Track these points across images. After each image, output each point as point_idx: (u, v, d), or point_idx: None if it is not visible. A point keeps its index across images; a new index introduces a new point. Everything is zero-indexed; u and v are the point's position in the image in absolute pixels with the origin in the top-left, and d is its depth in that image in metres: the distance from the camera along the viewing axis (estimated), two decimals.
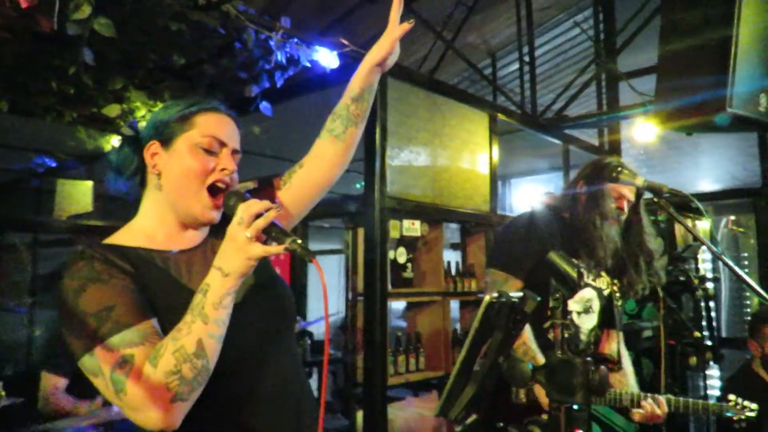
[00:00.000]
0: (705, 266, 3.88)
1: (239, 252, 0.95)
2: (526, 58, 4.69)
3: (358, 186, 5.17)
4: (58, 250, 4.67)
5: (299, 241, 0.94)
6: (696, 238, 2.06)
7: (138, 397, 0.90)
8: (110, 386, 0.92)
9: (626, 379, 1.97)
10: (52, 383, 2.43)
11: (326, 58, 3.09)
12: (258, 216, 0.95)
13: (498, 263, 1.93)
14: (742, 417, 1.95)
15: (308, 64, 3.04)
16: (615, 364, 1.92)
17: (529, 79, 4.59)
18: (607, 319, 1.97)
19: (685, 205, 1.96)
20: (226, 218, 1.03)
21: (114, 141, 3.76)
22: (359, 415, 3.03)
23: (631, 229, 1.98)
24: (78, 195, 4.21)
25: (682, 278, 3.04)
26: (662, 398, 1.85)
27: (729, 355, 4.53)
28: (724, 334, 4.54)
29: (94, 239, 1.11)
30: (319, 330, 5.14)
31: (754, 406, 1.99)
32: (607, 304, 1.96)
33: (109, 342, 0.93)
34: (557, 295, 1.12)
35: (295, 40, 2.94)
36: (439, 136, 3.38)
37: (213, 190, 1.10)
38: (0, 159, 4.19)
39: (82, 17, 2.53)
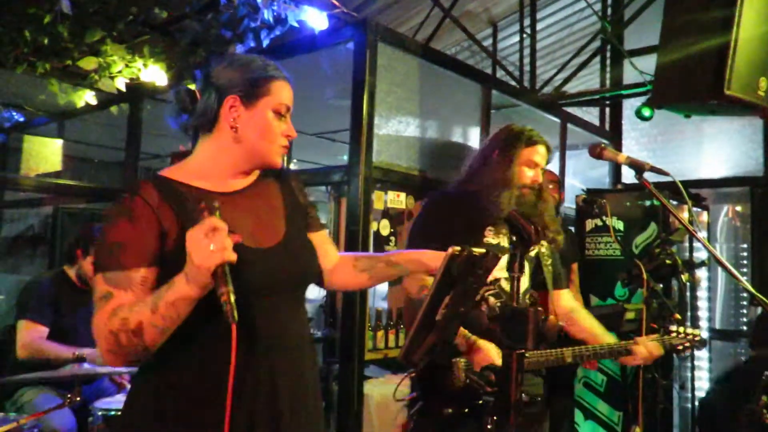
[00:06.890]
0: (700, 255, 4.12)
1: (200, 273, 1.06)
2: (528, 30, 4.87)
3: (345, 158, 5.29)
4: (23, 211, 4.82)
5: (233, 300, 1.05)
6: (681, 223, 2.24)
7: (96, 329, 1.16)
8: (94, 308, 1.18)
9: (601, 338, 2.16)
10: (33, 331, 2.71)
11: (315, 19, 3.25)
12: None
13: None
14: (686, 345, 2.13)
15: (296, 25, 3.20)
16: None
17: (529, 53, 4.76)
18: (539, 281, 2.16)
19: (681, 191, 2.15)
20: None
21: (87, 96, 3.90)
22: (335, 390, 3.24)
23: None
24: (46, 153, 4.37)
25: (668, 261, 3.23)
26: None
27: (721, 348, 4.81)
28: (717, 326, 4.80)
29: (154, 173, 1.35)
30: None
31: (697, 332, 2.17)
32: (536, 265, 2.15)
33: (105, 275, 1.18)
34: (515, 250, 1.32)
35: None
36: (431, 107, 3.55)
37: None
38: None
39: None
